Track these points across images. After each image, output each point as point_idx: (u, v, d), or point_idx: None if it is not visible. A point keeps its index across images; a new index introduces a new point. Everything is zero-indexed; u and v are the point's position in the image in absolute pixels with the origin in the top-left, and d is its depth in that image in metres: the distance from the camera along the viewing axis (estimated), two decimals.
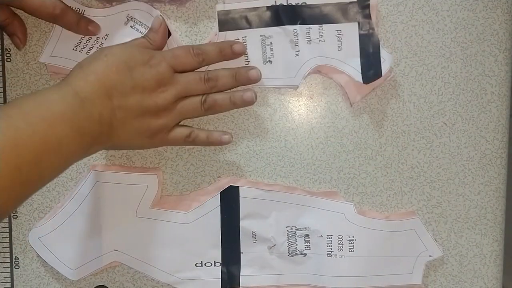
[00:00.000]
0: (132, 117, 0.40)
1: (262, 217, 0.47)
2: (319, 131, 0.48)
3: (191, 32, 0.47)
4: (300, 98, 0.48)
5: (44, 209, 0.49)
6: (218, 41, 0.46)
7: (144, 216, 0.47)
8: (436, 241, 0.49)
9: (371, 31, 0.46)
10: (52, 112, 0.35)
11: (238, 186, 0.47)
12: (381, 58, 0.46)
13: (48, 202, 0.49)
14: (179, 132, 0.43)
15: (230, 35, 0.46)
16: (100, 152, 0.48)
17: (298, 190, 0.48)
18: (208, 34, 0.47)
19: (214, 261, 0.47)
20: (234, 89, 0.45)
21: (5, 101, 0.48)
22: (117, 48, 0.41)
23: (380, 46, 0.46)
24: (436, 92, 0.48)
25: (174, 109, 0.42)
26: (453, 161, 0.48)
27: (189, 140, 0.44)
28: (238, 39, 0.46)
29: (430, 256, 0.47)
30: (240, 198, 0.47)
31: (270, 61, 0.47)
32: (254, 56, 0.46)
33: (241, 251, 0.47)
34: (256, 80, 0.44)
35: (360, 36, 0.46)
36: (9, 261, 0.49)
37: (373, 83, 0.46)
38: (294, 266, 0.47)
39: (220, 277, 0.47)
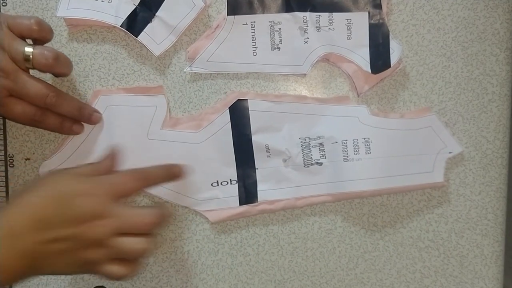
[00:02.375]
0: (63, 251, 0.38)
1: (274, 130, 0.47)
2: None
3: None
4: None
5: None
6: (225, 27, 0.46)
7: (155, 138, 0.47)
8: (436, 241, 0.48)
9: (381, 21, 0.46)
10: None
11: (247, 99, 0.47)
12: (391, 49, 0.46)
13: None
14: (114, 272, 0.39)
15: (239, 20, 0.46)
16: (102, 77, 0.48)
17: (308, 99, 0.47)
18: (216, 18, 0.47)
19: (230, 179, 0.47)
20: None
21: None
22: (58, 177, 0.40)
23: (390, 37, 0.46)
24: (437, 92, 0.48)
25: (109, 246, 0.38)
26: (454, 161, 0.48)
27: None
28: (247, 23, 0.46)
29: (450, 152, 0.47)
30: (250, 111, 0.47)
31: (278, 48, 0.47)
32: (262, 42, 0.46)
33: (256, 167, 0.47)
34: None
35: (370, 25, 0.46)
36: None
37: (381, 73, 0.46)
38: (311, 177, 0.47)
39: (237, 195, 0.47)
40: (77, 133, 0.46)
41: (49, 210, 0.37)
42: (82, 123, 0.46)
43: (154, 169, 0.43)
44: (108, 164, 0.44)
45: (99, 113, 0.46)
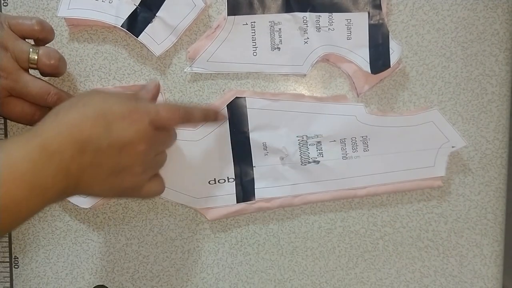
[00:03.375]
0: (105, 175, 0.37)
1: (272, 128, 0.47)
2: None
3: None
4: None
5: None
6: (225, 27, 0.46)
7: None
8: (436, 241, 0.49)
9: (381, 21, 0.46)
10: (13, 174, 0.33)
11: (245, 97, 0.47)
12: (390, 49, 0.46)
13: None
14: (153, 189, 0.41)
15: (239, 20, 0.46)
16: (102, 77, 0.48)
17: (306, 98, 0.48)
18: (217, 18, 0.47)
19: (228, 177, 0.47)
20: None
21: None
22: (98, 97, 0.37)
23: (390, 37, 0.46)
24: (437, 92, 0.48)
25: (149, 166, 0.39)
26: (454, 161, 0.48)
27: (160, 196, 0.43)
28: (247, 24, 0.46)
29: (453, 147, 0.47)
30: (247, 109, 0.47)
31: (278, 48, 0.47)
32: (262, 42, 0.47)
33: (253, 165, 0.47)
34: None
35: (370, 26, 0.46)
36: (8, 261, 0.49)
37: (381, 73, 0.46)
38: (308, 175, 0.47)
39: (235, 193, 0.47)
40: None
41: (91, 131, 0.35)
42: None
43: (194, 109, 0.41)
44: (150, 98, 0.42)
45: None
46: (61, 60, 0.43)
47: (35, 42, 0.43)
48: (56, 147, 0.34)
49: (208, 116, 0.42)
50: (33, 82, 0.42)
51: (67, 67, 0.47)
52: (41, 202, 0.34)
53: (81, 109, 0.36)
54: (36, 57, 0.41)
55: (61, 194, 0.35)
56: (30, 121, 0.43)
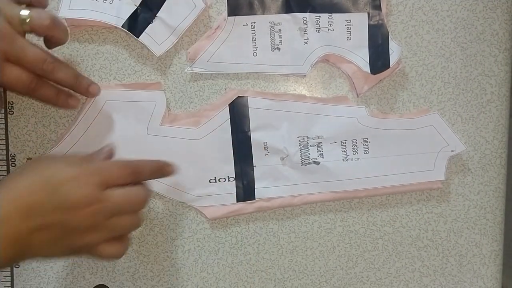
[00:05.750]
0: (54, 237, 0.37)
1: (273, 128, 0.47)
2: None
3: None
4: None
5: None
6: (225, 27, 0.46)
7: (155, 133, 0.47)
8: (435, 240, 0.49)
9: (380, 22, 0.46)
10: None
11: (247, 97, 0.47)
12: (390, 50, 0.46)
13: None
14: (108, 251, 0.39)
15: (239, 20, 0.47)
16: (103, 77, 0.48)
17: (307, 98, 0.48)
18: (217, 18, 0.47)
19: (228, 176, 0.48)
20: None
21: (5, 100, 0.48)
22: (45, 162, 0.39)
23: (389, 38, 0.46)
24: (436, 92, 0.48)
25: (102, 227, 0.38)
26: (453, 161, 0.48)
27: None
28: (247, 24, 0.47)
29: (452, 151, 0.47)
30: (249, 109, 0.47)
31: (278, 48, 0.47)
32: (263, 43, 0.47)
33: (254, 165, 0.48)
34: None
35: (369, 26, 0.46)
36: None
37: (380, 74, 0.47)
38: (308, 175, 0.47)
39: (235, 192, 0.48)
40: (72, 107, 0.45)
41: (36, 196, 0.36)
42: (78, 98, 0.45)
43: (146, 164, 0.42)
44: (101, 157, 0.42)
45: (97, 84, 0.45)
46: (55, 20, 0.40)
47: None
48: (3, 214, 0.35)
49: (162, 170, 0.43)
50: (30, 47, 0.40)
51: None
52: None
53: (29, 176, 0.37)
54: (27, 20, 0.39)
55: (10, 260, 0.36)
56: (27, 90, 0.41)
